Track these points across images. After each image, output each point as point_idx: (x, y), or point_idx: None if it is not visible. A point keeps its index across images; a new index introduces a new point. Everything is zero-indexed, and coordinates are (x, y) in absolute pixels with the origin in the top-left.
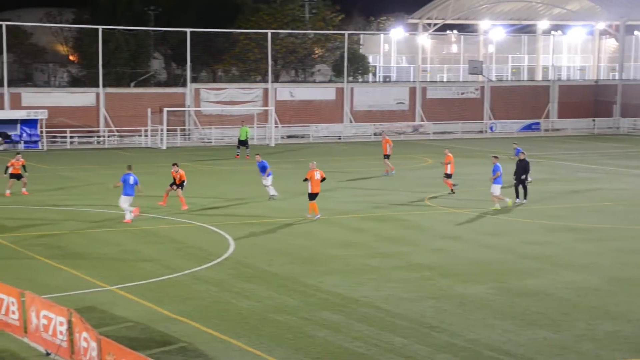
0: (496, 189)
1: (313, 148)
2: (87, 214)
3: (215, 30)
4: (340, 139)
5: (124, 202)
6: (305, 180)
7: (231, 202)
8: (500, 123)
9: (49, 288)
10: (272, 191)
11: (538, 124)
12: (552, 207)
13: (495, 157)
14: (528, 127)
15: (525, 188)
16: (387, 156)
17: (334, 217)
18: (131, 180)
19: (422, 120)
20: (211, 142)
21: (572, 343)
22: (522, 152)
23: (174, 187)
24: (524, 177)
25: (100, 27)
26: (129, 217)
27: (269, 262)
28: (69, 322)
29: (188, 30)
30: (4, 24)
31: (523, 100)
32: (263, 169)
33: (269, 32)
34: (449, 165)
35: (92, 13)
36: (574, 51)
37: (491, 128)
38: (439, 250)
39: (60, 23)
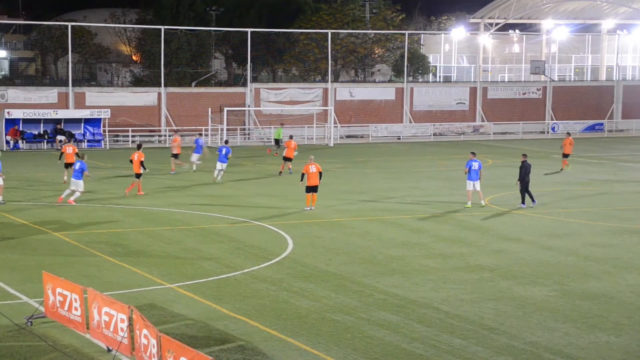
0: (468, 185)
1: (372, 148)
2: (148, 212)
3: (275, 30)
4: (399, 139)
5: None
6: (304, 175)
7: (290, 201)
8: (562, 123)
9: (110, 285)
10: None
11: (602, 124)
12: (616, 209)
13: (473, 153)
14: (591, 128)
15: (529, 191)
16: (175, 155)
17: (392, 217)
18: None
19: (483, 121)
20: (271, 142)
21: (635, 347)
22: (524, 155)
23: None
24: (527, 180)
25: (162, 27)
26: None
27: (327, 261)
28: (130, 319)
29: (249, 30)
30: (69, 24)
31: (586, 100)
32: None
33: (329, 32)
34: (288, 149)
35: (155, 13)
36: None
37: (553, 129)
38: (499, 252)
39: (124, 23)
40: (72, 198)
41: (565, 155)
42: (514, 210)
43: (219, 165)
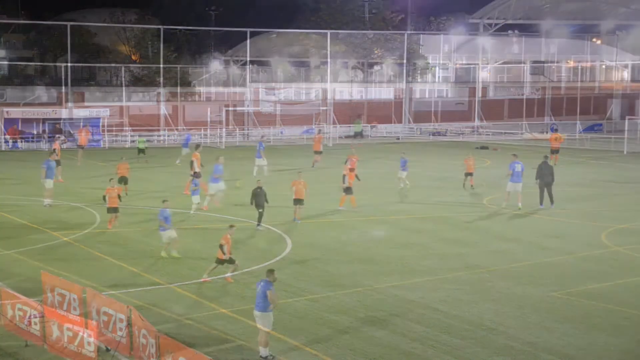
0: (508, 186)
1: (371, 148)
2: (147, 212)
3: (275, 30)
4: (398, 139)
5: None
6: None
7: (289, 201)
8: (561, 124)
9: (109, 285)
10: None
11: (600, 125)
12: (614, 209)
13: (515, 155)
14: (590, 129)
15: (542, 193)
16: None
17: (391, 217)
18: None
19: (482, 121)
20: (270, 142)
21: (634, 347)
22: (545, 156)
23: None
24: (547, 181)
25: (161, 27)
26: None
27: (326, 261)
28: (128, 319)
29: (248, 30)
30: (68, 24)
31: (585, 101)
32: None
33: (329, 32)
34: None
35: (154, 13)
36: (638, 52)
37: (552, 129)
38: (497, 252)
39: (123, 23)
40: (216, 200)
41: (554, 151)
42: (513, 210)
43: (257, 162)
